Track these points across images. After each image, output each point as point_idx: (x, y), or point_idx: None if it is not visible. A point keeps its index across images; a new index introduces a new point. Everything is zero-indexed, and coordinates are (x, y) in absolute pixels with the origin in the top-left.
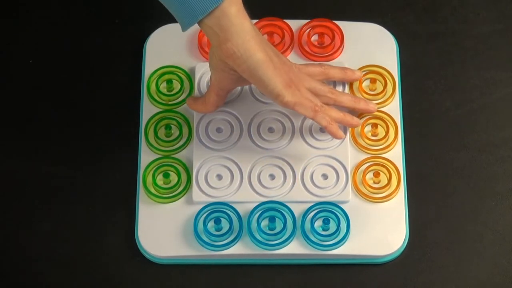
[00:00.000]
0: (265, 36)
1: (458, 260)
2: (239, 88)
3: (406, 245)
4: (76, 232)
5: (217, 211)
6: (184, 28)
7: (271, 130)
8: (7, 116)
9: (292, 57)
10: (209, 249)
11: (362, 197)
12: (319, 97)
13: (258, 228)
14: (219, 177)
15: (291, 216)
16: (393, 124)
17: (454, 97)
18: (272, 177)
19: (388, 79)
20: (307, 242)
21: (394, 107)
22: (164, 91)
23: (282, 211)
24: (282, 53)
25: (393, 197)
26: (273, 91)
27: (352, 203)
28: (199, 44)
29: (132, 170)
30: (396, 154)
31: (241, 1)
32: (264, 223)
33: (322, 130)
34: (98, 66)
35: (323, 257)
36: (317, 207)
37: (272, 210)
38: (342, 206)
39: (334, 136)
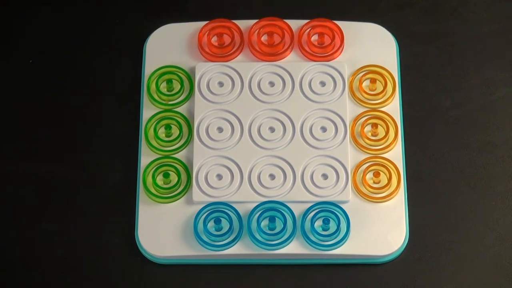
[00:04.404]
0: (265, 36)
1: (458, 260)
2: (239, 88)
3: (406, 245)
4: (76, 232)
5: (217, 211)
6: None
7: (271, 130)
8: (6, 116)
9: (292, 57)
10: (209, 249)
11: (362, 197)
12: None
13: (258, 228)
14: (219, 177)
15: (291, 216)
16: (393, 124)
17: (454, 97)
18: (272, 177)
19: (388, 79)
20: (307, 242)
21: (394, 107)
22: (164, 91)
23: (282, 211)
24: (282, 53)
25: (393, 197)
26: None
27: (352, 203)
28: (199, 44)
29: (132, 170)
30: (396, 154)
31: None
32: (264, 223)
33: (323, 129)
34: (97, 66)
35: (323, 257)
36: (317, 207)
37: (272, 210)
38: (342, 206)
39: None
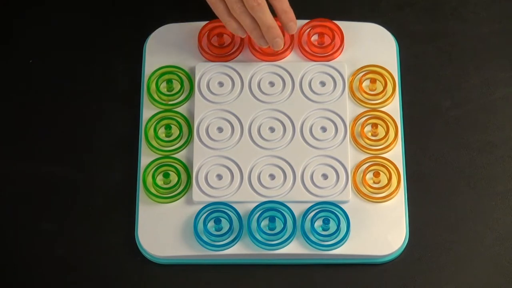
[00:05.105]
0: None
1: (458, 260)
2: (239, 88)
3: (406, 245)
4: (76, 232)
5: (217, 211)
6: None
7: (271, 130)
8: (6, 116)
9: (292, 57)
10: (209, 249)
11: (362, 197)
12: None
13: (258, 228)
14: (219, 177)
15: (291, 216)
16: (393, 124)
17: (454, 97)
18: (272, 177)
19: (388, 79)
20: (307, 242)
21: (394, 107)
22: (164, 91)
23: (282, 211)
24: (282, 53)
25: (393, 197)
26: None
27: (352, 203)
28: (199, 44)
29: (132, 170)
30: (396, 154)
31: None
32: (264, 223)
33: (323, 129)
34: (97, 66)
35: (323, 257)
36: (317, 207)
37: (272, 210)
38: (342, 206)
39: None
